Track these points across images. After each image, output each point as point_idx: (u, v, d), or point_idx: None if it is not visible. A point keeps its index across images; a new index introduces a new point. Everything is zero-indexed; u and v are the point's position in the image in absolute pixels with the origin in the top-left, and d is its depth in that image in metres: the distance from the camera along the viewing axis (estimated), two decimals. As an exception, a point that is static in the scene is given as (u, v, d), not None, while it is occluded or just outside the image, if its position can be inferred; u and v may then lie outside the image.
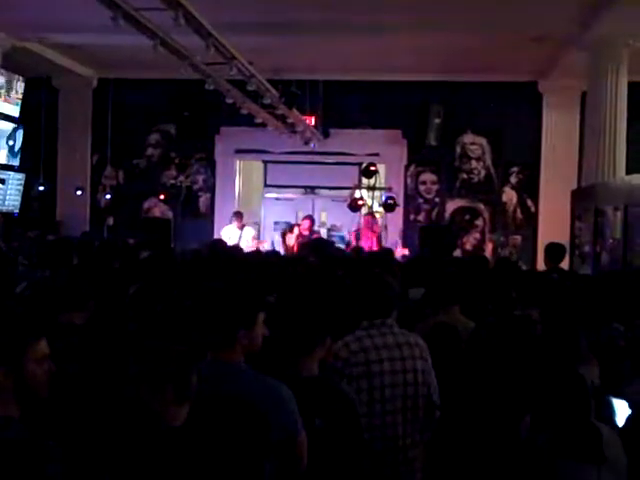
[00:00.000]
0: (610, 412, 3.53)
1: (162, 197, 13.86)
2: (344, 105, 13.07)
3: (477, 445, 3.80)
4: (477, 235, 13.42)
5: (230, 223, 12.12)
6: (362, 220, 12.48)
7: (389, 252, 8.12)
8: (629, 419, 3.26)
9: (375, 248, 11.28)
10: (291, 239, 11.77)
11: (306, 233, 11.86)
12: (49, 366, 2.29)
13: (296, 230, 11.89)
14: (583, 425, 2.82)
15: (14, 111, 11.69)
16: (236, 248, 8.57)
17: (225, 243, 8.72)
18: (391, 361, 3.55)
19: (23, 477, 2.04)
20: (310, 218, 12.28)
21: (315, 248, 7.98)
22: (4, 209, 11.96)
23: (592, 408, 2.94)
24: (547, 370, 3.04)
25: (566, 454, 2.77)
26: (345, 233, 13.18)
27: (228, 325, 2.77)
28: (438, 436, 3.77)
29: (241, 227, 11.92)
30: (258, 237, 12.80)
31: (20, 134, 11.98)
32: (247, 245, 10.87)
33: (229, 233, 11.71)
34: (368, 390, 3.50)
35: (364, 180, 13.03)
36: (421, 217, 13.52)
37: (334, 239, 12.24)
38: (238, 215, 12.16)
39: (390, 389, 3.54)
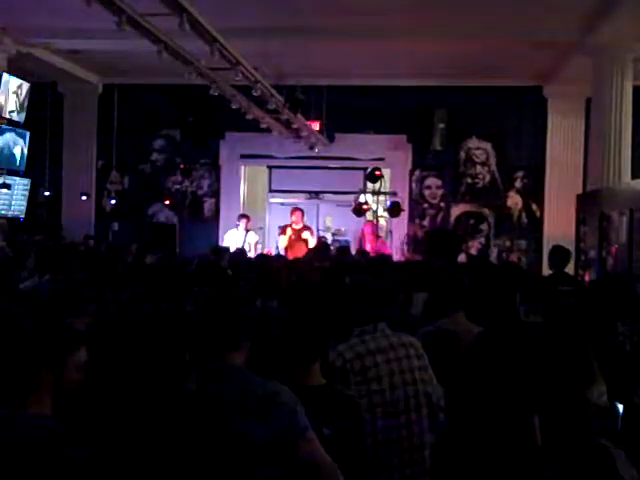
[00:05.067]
0: (617, 418, 3.51)
1: (167, 202, 13.87)
2: (348, 110, 13.07)
3: (482, 449, 3.78)
4: (482, 240, 13.41)
5: (237, 225, 11.97)
6: (364, 227, 12.48)
7: (386, 257, 8.17)
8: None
9: (380, 251, 11.29)
10: (284, 240, 11.70)
11: (298, 227, 11.73)
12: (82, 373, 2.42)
13: (289, 231, 11.73)
14: (590, 445, 2.77)
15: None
16: (240, 253, 8.56)
17: (227, 249, 8.74)
18: (387, 364, 3.56)
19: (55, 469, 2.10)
20: (299, 210, 12.03)
21: (319, 252, 7.99)
22: (10, 214, 11.98)
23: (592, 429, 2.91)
24: (553, 391, 3.00)
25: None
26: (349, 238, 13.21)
27: (241, 328, 2.79)
28: (443, 439, 3.76)
29: (246, 230, 11.82)
30: (262, 243, 12.74)
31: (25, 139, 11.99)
32: (249, 250, 10.84)
33: (234, 236, 11.65)
34: (367, 395, 3.50)
35: (369, 185, 13.04)
36: (426, 222, 13.51)
37: (337, 244, 12.22)
38: (245, 217, 11.97)
39: (390, 392, 3.54)
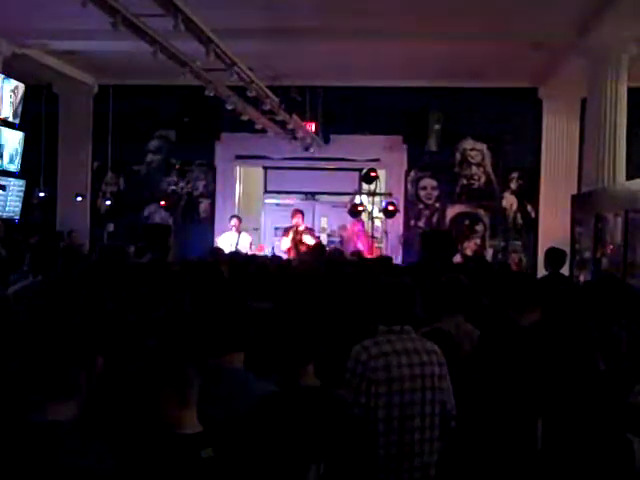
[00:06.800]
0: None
1: (162, 203, 13.85)
2: (344, 111, 13.08)
3: (485, 450, 3.79)
4: (477, 241, 13.42)
5: (229, 226, 12.05)
6: (355, 227, 12.47)
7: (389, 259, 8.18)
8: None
9: (368, 252, 11.32)
10: (286, 242, 11.71)
11: (301, 229, 11.77)
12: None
13: (292, 234, 11.77)
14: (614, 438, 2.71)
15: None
16: (236, 254, 8.55)
17: (222, 250, 8.74)
18: (410, 366, 3.57)
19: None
20: (300, 212, 12.09)
21: (316, 254, 7.98)
22: (5, 215, 11.96)
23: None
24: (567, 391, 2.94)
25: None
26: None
27: (247, 329, 2.79)
28: (451, 446, 3.77)
29: (238, 232, 11.84)
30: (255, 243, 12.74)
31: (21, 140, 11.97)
32: (244, 251, 10.84)
33: (228, 238, 11.68)
34: (387, 394, 3.51)
35: (364, 186, 13.04)
36: (421, 223, 13.51)
37: (333, 244, 12.22)
38: (237, 218, 12.08)
39: (409, 394, 3.55)
